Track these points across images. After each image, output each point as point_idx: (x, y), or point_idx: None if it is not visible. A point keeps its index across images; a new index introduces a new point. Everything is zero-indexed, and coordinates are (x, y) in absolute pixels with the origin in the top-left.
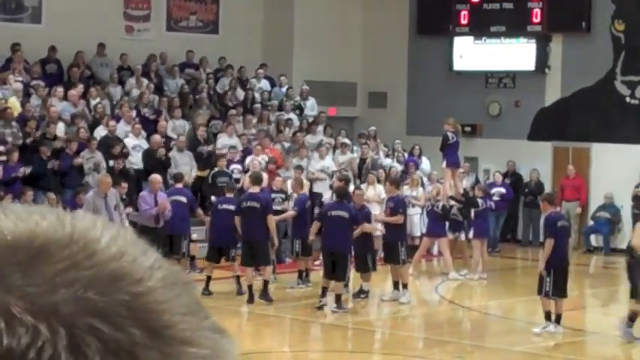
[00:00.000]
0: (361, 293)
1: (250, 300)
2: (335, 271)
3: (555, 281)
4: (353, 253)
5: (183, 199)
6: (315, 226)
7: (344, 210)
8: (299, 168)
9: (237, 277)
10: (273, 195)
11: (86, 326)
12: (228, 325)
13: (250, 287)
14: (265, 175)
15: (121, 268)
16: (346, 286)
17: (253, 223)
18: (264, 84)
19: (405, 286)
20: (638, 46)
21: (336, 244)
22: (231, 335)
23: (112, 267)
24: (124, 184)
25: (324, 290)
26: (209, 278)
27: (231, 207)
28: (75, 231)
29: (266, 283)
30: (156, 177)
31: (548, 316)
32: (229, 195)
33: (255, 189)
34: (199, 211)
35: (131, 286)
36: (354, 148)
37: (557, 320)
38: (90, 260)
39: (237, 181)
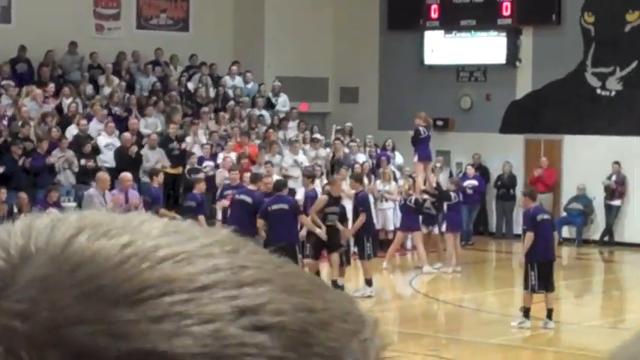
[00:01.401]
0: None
1: None
2: None
3: (540, 275)
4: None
5: (148, 198)
6: (260, 223)
7: (283, 202)
8: (270, 164)
9: None
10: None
11: None
12: None
13: None
14: (237, 174)
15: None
16: None
17: (244, 218)
18: (238, 81)
19: (368, 281)
20: (608, 37)
21: (282, 237)
22: None
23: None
24: (93, 183)
25: None
26: None
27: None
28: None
29: None
30: (126, 175)
31: (526, 313)
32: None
33: (252, 186)
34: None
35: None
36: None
37: (549, 315)
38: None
39: (211, 178)
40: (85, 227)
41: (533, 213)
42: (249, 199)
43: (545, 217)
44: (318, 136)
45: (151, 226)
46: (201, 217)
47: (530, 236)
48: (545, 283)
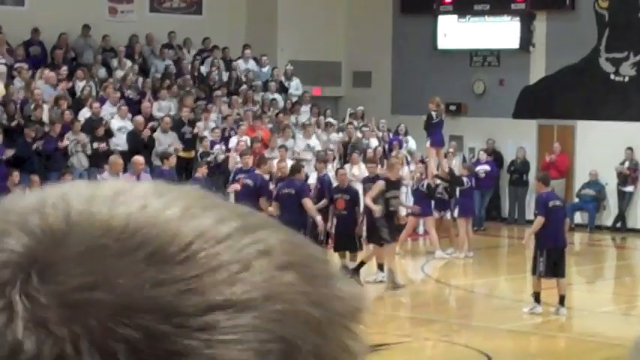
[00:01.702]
0: (347, 272)
1: None
2: None
3: (549, 261)
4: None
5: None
6: (264, 205)
7: (292, 187)
8: (283, 148)
9: None
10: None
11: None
12: None
13: None
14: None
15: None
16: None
17: (245, 202)
18: (252, 64)
19: (380, 267)
20: (622, 23)
21: (289, 221)
22: None
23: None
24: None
25: None
26: None
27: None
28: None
29: None
30: (138, 159)
31: (537, 298)
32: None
33: (259, 170)
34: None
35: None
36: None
37: (561, 302)
38: None
39: (223, 161)
40: (104, 196)
41: (545, 198)
42: (251, 182)
43: (558, 203)
44: (331, 120)
45: (143, 187)
46: None
47: (539, 220)
48: (556, 270)
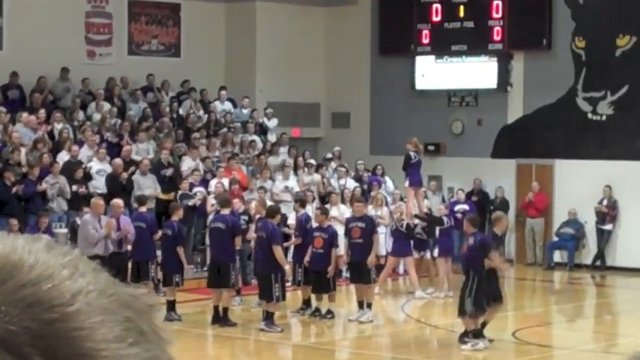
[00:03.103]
0: (328, 314)
1: (217, 321)
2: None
3: (475, 300)
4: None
5: (142, 225)
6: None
7: (263, 230)
8: (262, 189)
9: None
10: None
11: None
12: (196, 347)
13: (216, 308)
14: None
15: (34, 294)
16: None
17: (220, 245)
18: (227, 106)
19: (369, 305)
20: (598, 62)
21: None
22: None
23: (24, 293)
24: (86, 209)
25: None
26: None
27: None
28: None
29: (225, 309)
30: (117, 202)
31: (476, 334)
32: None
33: (225, 211)
34: (158, 234)
35: (43, 313)
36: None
37: (482, 330)
38: (3, 286)
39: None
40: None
41: (486, 239)
42: (222, 225)
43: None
44: (312, 161)
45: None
46: (180, 249)
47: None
48: (482, 306)
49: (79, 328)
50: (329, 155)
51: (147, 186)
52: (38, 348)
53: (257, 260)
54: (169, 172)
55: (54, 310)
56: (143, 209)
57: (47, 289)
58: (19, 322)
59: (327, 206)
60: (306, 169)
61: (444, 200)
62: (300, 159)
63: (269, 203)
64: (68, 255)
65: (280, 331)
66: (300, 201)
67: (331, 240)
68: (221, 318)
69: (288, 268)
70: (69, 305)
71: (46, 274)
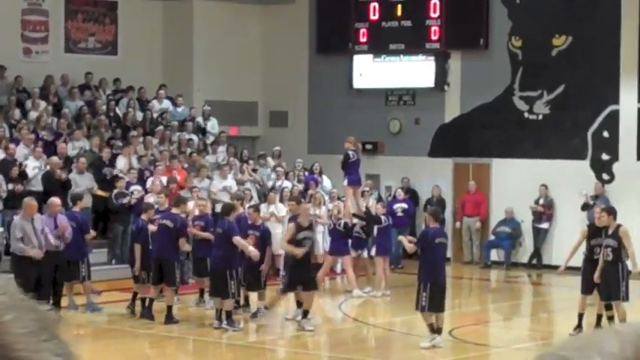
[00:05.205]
0: (258, 312)
1: (146, 315)
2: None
3: (431, 296)
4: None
5: (73, 224)
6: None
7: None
8: (196, 188)
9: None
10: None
11: None
12: (135, 347)
13: (151, 302)
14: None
15: None
16: (176, 292)
17: (165, 242)
18: (166, 104)
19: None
20: (535, 62)
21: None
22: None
23: None
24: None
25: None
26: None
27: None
28: None
29: (169, 307)
30: (54, 200)
31: (432, 329)
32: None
33: (176, 210)
34: (90, 233)
35: None
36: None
37: (439, 332)
38: None
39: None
40: None
41: (434, 234)
42: (170, 224)
43: (443, 240)
44: (251, 162)
45: None
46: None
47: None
48: (436, 305)
49: None
50: (261, 152)
51: (84, 184)
52: None
53: (212, 257)
54: (114, 171)
55: None
56: (76, 208)
57: None
58: None
59: (265, 205)
60: (245, 167)
61: (380, 199)
62: (236, 159)
63: (208, 202)
64: None
65: (240, 329)
66: (238, 199)
67: (264, 238)
68: (147, 311)
69: (252, 249)
70: None
71: None
